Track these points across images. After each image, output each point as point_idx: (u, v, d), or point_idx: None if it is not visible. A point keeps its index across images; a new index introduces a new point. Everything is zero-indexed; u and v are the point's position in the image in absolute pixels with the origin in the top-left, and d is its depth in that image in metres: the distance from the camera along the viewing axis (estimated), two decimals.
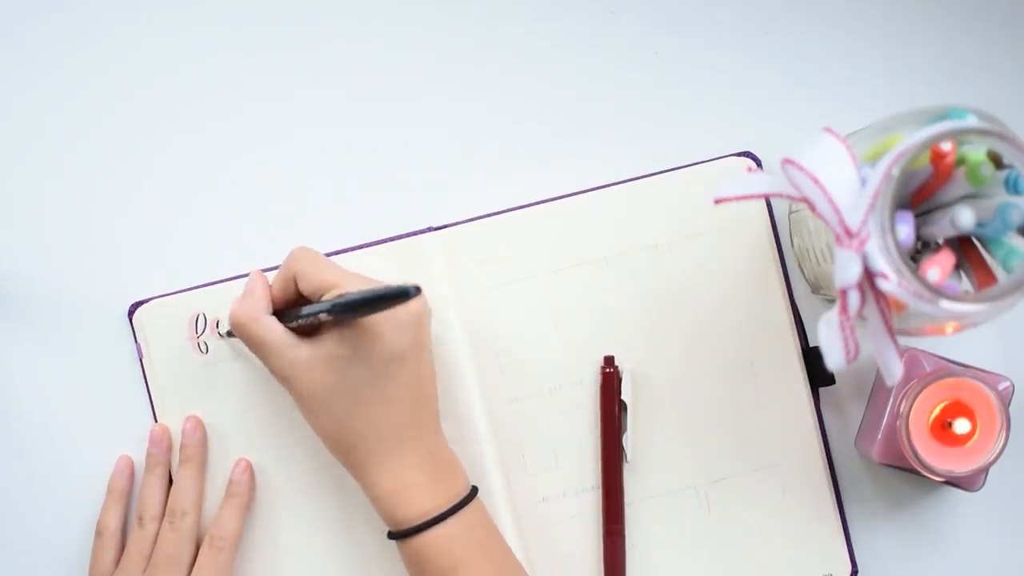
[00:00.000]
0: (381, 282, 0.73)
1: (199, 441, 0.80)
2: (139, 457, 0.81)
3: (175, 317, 0.81)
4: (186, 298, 0.81)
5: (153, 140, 0.82)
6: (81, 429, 0.81)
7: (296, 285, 0.74)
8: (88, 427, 0.81)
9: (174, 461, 0.80)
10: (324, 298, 0.72)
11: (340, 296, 0.71)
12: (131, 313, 0.81)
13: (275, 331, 0.73)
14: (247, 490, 0.80)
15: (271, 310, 0.75)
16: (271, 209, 0.82)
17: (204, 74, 0.83)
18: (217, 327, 0.81)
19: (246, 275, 0.81)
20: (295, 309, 0.74)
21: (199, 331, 0.81)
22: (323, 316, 0.71)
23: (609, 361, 0.80)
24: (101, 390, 0.81)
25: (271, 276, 0.77)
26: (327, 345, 0.72)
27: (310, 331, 0.74)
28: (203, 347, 0.81)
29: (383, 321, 0.71)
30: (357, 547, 0.81)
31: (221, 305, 0.80)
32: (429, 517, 0.73)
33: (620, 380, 0.80)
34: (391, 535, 0.74)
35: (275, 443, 0.81)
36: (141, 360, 0.81)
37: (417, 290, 0.67)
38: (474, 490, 0.75)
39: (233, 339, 0.80)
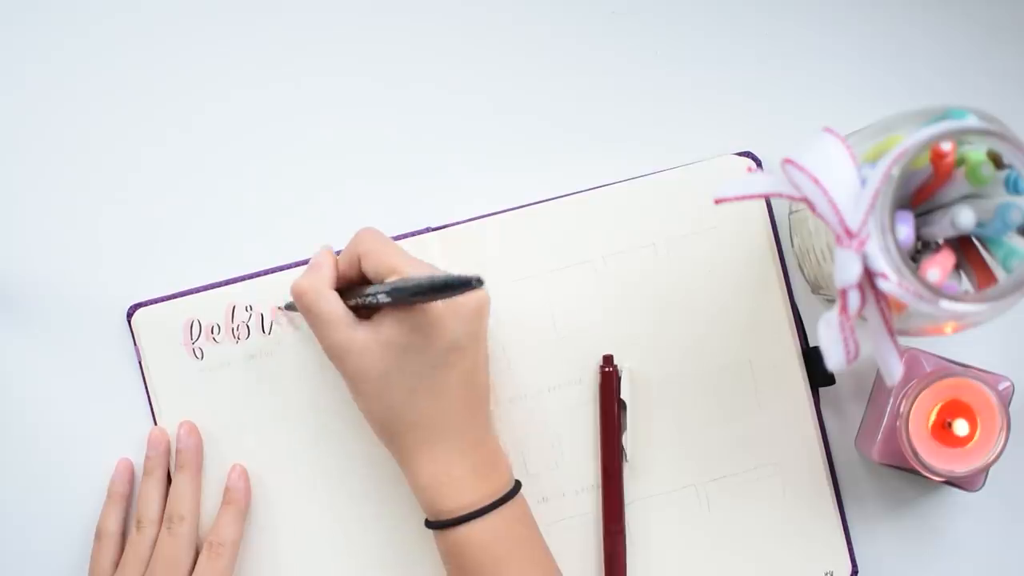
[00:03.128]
0: (442, 271, 0.72)
1: (194, 447, 0.80)
2: (139, 460, 0.81)
3: (170, 323, 0.81)
4: (183, 303, 0.81)
5: (154, 141, 0.82)
6: (81, 431, 0.81)
7: (360, 265, 0.74)
8: (88, 429, 0.81)
9: (173, 465, 0.80)
10: (387, 281, 0.72)
11: (402, 280, 0.70)
12: (130, 315, 0.81)
13: (336, 307, 0.72)
14: (244, 496, 0.80)
15: (335, 286, 0.74)
16: (270, 211, 0.82)
17: (203, 79, 0.82)
18: (278, 307, 0.80)
19: (245, 277, 0.81)
20: (356, 288, 0.73)
21: (194, 337, 0.81)
22: (382, 298, 0.70)
23: (608, 360, 0.80)
24: (101, 392, 0.81)
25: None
26: (386, 329, 0.71)
27: (368, 313, 0.73)
28: (198, 353, 0.81)
29: (444, 310, 0.71)
30: (355, 550, 0.81)
31: (216, 311, 0.80)
32: (471, 509, 0.72)
33: (619, 379, 0.80)
34: (429, 524, 0.74)
35: (271, 448, 0.81)
36: (140, 363, 0.81)
37: (479, 282, 0.65)
38: (518, 485, 0.75)
39: (292, 312, 0.80)
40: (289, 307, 0.80)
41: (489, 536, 0.73)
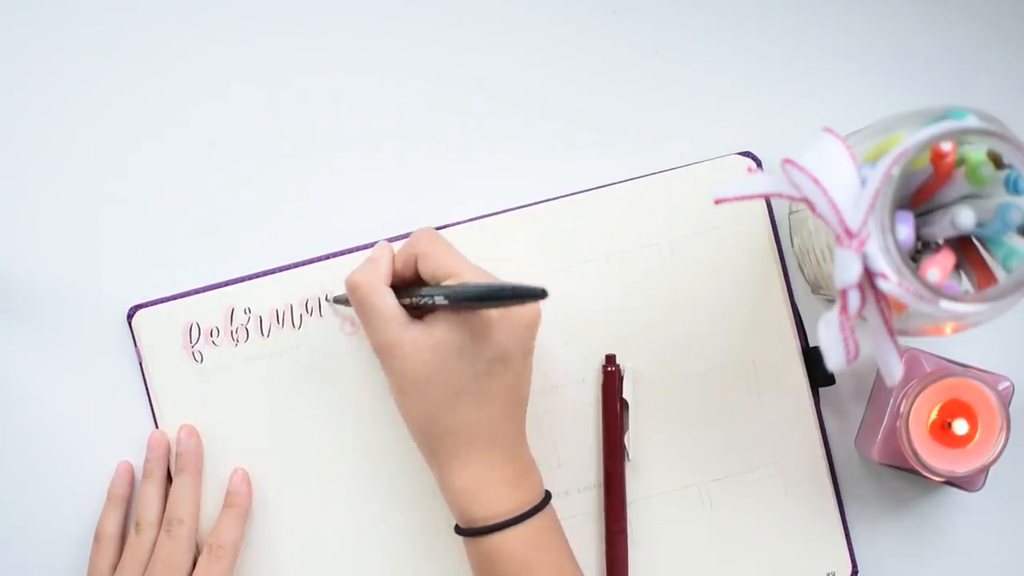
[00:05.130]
0: (497, 279, 0.72)
1: (194, 450, 0.80)
2: (139, 462, 0.81)
3: (170, 325, 0.81)
4: (182, 305, 0.81)
5: (153, 142, 0.82)
6: (81, 433, 0.81)
7: (416, 265, 0.73)
8: (88, 431, 0.81)
9: (173, 467, 0.80)
10: (445, 284, 0.71)
11: (462, 285, 0.70)
12: (130, 317, 0.81)
13: (390, 304, 0.72)
14: (245, 500, 0.80)
15: (390, 282, 0.73)
16: (269, 212, 0.82)
17: (203, 81, 0.82)
18: (325, 298, 0.80)
19: (244, 278, 0.81)
20: (411, 288, 0.73)
21: (193, 340, 0.81)
22: (439, 300, 0.70)
23: (611, 360, 0.81)
24: (101, 393, 0.81)
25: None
26: (437, 332, 0.71)
27: (419, 313, 0.72)
28: (198, 356, 0.81)
29: (497, 320, 0.71)
30: (354, 554, 0.81)
31: (215, 313, 0.80)
32: (505, 518, 0.72)
33: (621, 379, 0.80)
34: (460, 531, 0.74)
35: (271, 451, 0.81)
36: (141, 364, 0.81)
37: (544, 293, 0.65)
38: (548, 496, 0.75)
39: (339, 306, 0.80)
40: (337, 300, 0.80)
41: (521, 545, 0.72)
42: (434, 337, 0.71)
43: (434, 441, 0.73)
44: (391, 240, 0.80)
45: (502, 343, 0.71)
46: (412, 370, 0.71)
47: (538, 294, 0.66)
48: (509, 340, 0.71)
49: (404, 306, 0.72)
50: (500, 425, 0.73)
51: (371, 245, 0.80)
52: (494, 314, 0.70)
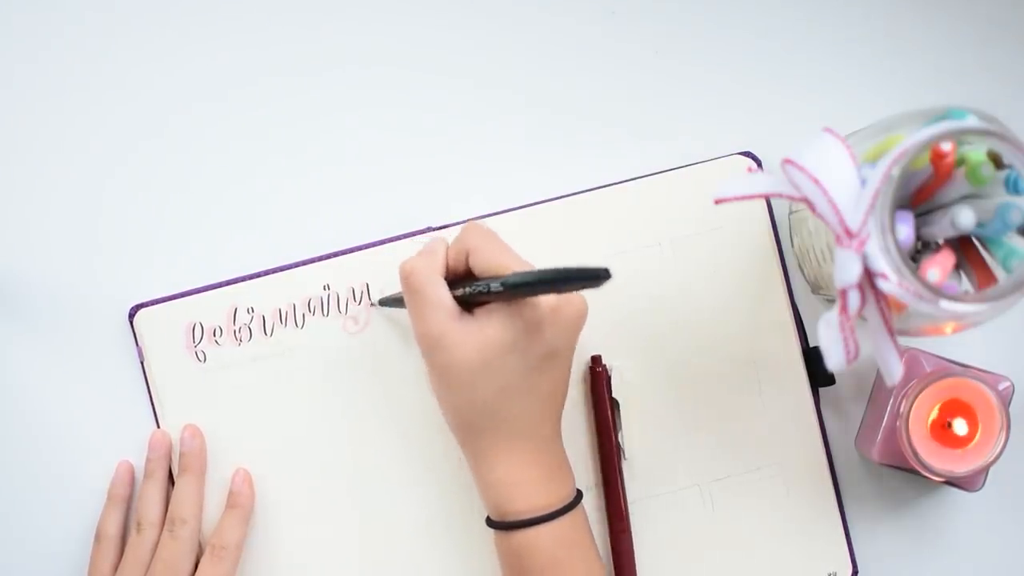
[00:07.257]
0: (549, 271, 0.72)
1: (197, 450, 0.80)
2: (140, 462, 0.81)
3: (172, 324, 0.81)
4: (185, 304, 0.81)
5: (154, 141, 0.82)
6: (82, 432, 0.81)
7: (467, 261, 0.73)
8: (89, 430, 0.81)
9: (174, 467, 0.80)
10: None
11: (519, 272, 0.69)
12: (131, 316, 0.81)
13: (444, 296, 0.72)
14: (248, 500, 0.80)
15: (445, 274, 0.73)
16: (272, 211, 0.82)
17: (205, 79, 0.82)
18: (368, 295, 0.80)
19: (246, 278, 0.81)
20: (463, 280, 0.72)
21: (196, 340, 0.81)
22: (494, 287, 0.69)
23: (596, 360, 0.80)
24: (102, 393, 0.81)
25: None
26: (488, 328, 0.70)
27: (469, 308, 0.72)
28: (201, 356, 0.81)
29: (548, 315, 0.70)
30: (357, 554, 0.81)
31: (218, 313, 0.80)
32: (538, 514, 0.72)
33: (609, 378, 0.80)
34: (491, 523, 0.74)
35: (273, 452, 0.81)
36: (142, 363, 0.81)
37: (608, 273, 0.64)
38: (579, 494, 0.75)
39: (388, 308, 0.80)
40: (384, 303, 0.80)
41: (551, 541, 0.72)
42: (484, 333, 0.70)
43: (474, 434, 0.73)
44: (397, 239, 0.80)
45: (552, 339, 0.71)
46: (457, 363, 0.71)
47: (601, 274, 0.64)
48: (559, 336, 0.71)
49: (457, 299, 0.72)
50: (542, 419, 0.73)
51: (372, 245, 0.81)
52: (545, 310, 0.70)
